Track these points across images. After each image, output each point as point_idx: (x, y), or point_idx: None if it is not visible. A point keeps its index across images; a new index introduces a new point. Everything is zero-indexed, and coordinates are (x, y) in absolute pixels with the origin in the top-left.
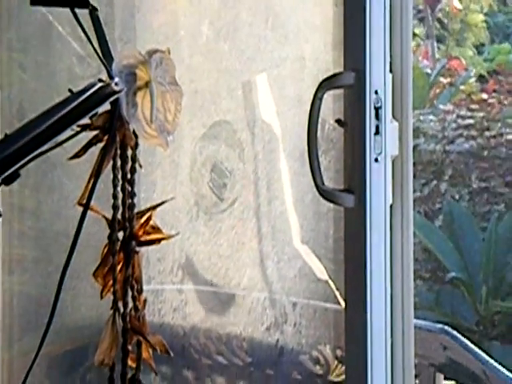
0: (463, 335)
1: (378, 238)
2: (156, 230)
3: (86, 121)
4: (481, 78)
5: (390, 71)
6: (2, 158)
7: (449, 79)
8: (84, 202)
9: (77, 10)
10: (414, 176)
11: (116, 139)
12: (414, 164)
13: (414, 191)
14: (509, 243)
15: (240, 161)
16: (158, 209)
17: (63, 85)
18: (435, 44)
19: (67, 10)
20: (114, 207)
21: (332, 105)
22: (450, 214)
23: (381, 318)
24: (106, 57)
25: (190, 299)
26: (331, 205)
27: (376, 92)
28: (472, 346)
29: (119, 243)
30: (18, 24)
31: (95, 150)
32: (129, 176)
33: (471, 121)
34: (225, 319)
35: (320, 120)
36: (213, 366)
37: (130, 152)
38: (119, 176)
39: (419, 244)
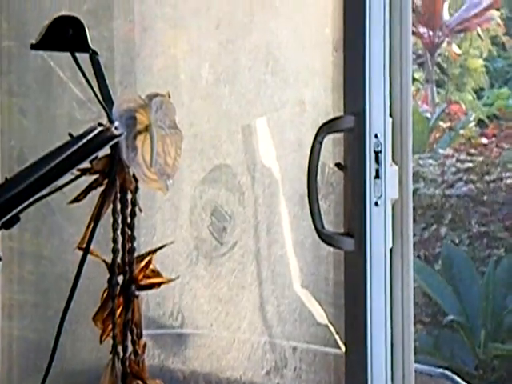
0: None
1: (378, 281)
2: (156, 273)
3: (86, 165)
4: (480, 123)
5: (390, 115)
6: (2, 202)
7: (448, 123)
8: (84, 245)
9: (77, 55)
10: (414, 220)
11: (116, 183)
12: (414, 208)
13: (414, 235)
14: (507, 287)
15: (240, 205)
16: (158, 253)
17: (63, 129)
18: (435, 88)
19: (67, 55)
20: (114, 251)
21: (332, 148)
22: (449, 258)
23: (381, 362)
24: (107, 101)
25: (189, 343)
26: (331, 248)
27: (376, 136)
28: None
29: (119, 287)
30: (18, 68)
31: (95, 193)
32: (129, 220)
33: (471, 165)
34: (225, 363)
35: (320, 164)
36: None
37: (129, 196)
38: (119, 220)
39: (418, 288)
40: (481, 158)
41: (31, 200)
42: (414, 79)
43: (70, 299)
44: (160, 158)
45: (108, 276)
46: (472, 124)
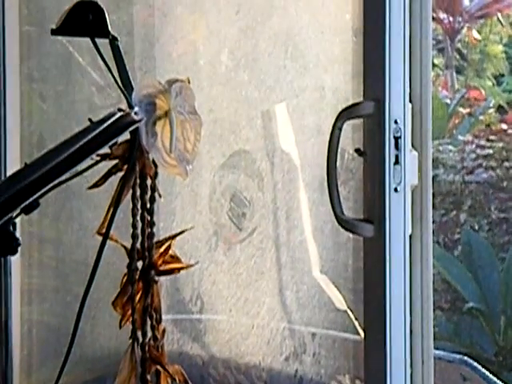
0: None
1: (398, 267)
2: (175, 259)
3: (105, 150)
4: (500, 109)
5: (410, 101)
6: (22, 188)
7: (468, 110)
8: (103, 231)
9: (97, 40)
10: (433, 206)
11: (135, 168)
12: (433, 194)
13: (433, 221)
14: None
15: (259, 190)
16: (178, 238)
17: (83, 114)
18: (454, 74)
19: (87, 40)
20: (134, 236)
21: (351, 134)
22: (469, 244)
23: (400, 348)
24: (126, 86)
25: (208, 329)
26: (350, 235)
27: (396, 121)
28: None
29: (138, 272)
30: (38, 54)
31: (115, 179)
32: (148, 205)
33: (490, 151)
34: (244, 349)
35: (339, 150)
36: None
37: (149, 181)
38: (138, 205)
39: (438, 274)
40: (500, 144)
41: (51, 185)
42: (433, 65)
43: (89, 284)
44: (179, 144)
45: (127, 261)
46: (491, 110)
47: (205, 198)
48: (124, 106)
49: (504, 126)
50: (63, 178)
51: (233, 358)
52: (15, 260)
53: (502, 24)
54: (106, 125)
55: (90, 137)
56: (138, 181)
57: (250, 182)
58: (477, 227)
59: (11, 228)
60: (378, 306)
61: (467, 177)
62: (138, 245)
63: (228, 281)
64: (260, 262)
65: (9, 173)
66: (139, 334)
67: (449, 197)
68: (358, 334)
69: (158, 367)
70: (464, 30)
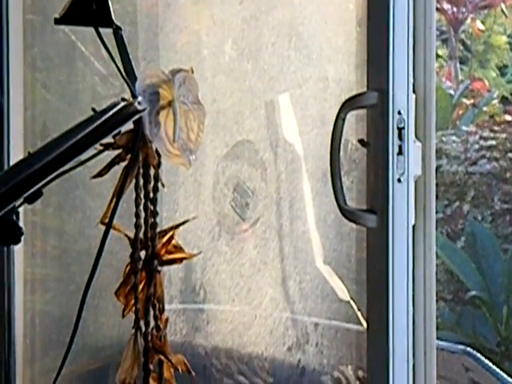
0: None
1: (401, 258)
2: (178, 249)
3: (108, 140)
4: (504, 100)
5: (413, 92)
6: (25, 177)
7: (472, 100)
8: (106, 220)
9: (100, 30)
10: (437, 197)
11: (139, 158)
12: (437, 185)
13: (437, 212)
14: None
15: (262, 180)
16: (181, 228)
17: (86, 104)
18: (458, 65)
19: (90, 30)
20: (137, 226)
21: (355, 125)
22: (472, 234)
23: (403, 339)
24: (130, 76)
25: (211, 319)
26: (354, 225)
27: (399, 112)
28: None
29: (141, 262)
30: (41, 43)
31: (118, 168)
32: (151, 195)
33: (494, 142)
34: (246, 339)
35: (343, 140)
36: None
37: (152, 171)
38: (142, 195)
39: (441, 265)
40: (504, 135)
41: (54, 175)
42: (437, 56)
43: (92, 274)
44: (183, 134)
45: (130, 251)
46: (495, 101)
47: (208, 188)
48: (127, 95)
49: (508, 117)
50: (66, 167)
51: (235, 348)
52: (18, 249)
53: (505, 15)
54: (109, 114)
55: (93, 126)
56: (141, 170)
57: (254, 172)
58: (480, 218)
59: (14, 217)
60: (381, 296)
61: (470, 168)
62: (141, 234)
63: (231, 271)
64: (263, 252)
65: (12, 162)
66: (142, 323)
67: (452, 187)
68: (361, 324)
69: (161, 357)
70: (468, 21)
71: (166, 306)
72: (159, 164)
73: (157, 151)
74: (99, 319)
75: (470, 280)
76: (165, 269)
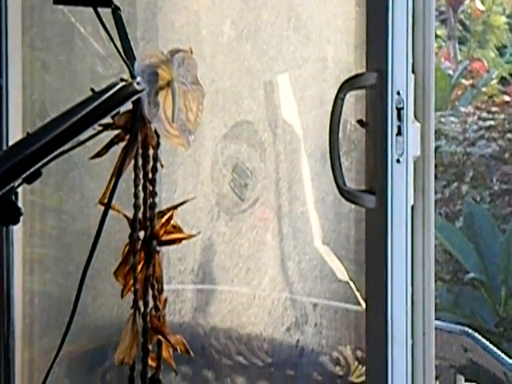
0: (483, 336)
1: (399, 238)
2: (177, 229)
3: (107, 120)
4: (503, 80)
5: (413, 72)
6: (24, 157)
7: (470, 81)
8: (105, 201)
9: (99, 10)
10: (435, 177)
11: (138, 138)
12: (435, 166)
13: (435, 193)
14: None
15: (261, 161)
16: (179, 208)
17: (85, 84)
18: (457, 46)
19: (89, 10)
20: (136, 206)
21: (354, 105)
22: (471, 215)
23: (401, 319)
24: (129, 56)
25: (210, 299)
26: (352, 206)
27: (398, 93)
28: (492, 347)
29: (140, 243)
30: (40, 23)
31: (117, 149)
32: (150, 175)
33: (492, 122)
34: (245, 319)
35: (342, 121)
36: (233, 366)
37: (151, 151)
38: (141, 175)
39: (440, 245)
40: (502, 116)
41: (53, 155)
42: (436, 36)
43: (91, 254)
44: (182, 114)
45: (129, 231)
46: (494, 81)
47: (207, 169)
48: (126, 75)
49: (507, 98)
50: (65, 147)
51: (234, 329)
52: (17, 229)
53: None
54: (108, 95)
55: (92, 106)
56: (140, 151)
57: (253, 152)
58: (478, 199)
59: (13, 197)
60: (380, 276)
61: (469, 148)
62: (140, 215)
63: (230, 251)
64: (262, 232)
65: (11, 142)
66: (141, 303)
67: (451, 168)
68: (360, 304)
69: (160, 337)
70: (467, 1)
71: (165, 287)
72: (158, 144)
73: (156, 131)
74: (98, 299)
75: (468, 261)
76: (164, 249)
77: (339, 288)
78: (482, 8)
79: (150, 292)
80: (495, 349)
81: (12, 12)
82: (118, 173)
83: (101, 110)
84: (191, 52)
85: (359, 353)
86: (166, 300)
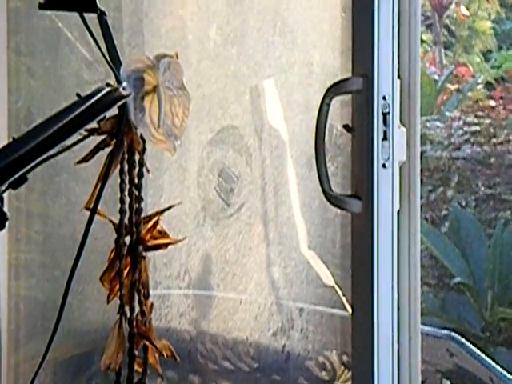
0: (469, 341)
1: (385, 243)
2: (163, 234)
3: (93, 125)
4: (488, 85)
5: (398, 77)
6: (10, 162)
7: (456, 86)
8: (91, 206)
9: (85, 15)
10: (421, 182)
11: (123, 144)
12: (421, 171)
13: (421, 197)
14: None
15: (247, 166)
16: (165, 213)
17: (71, 89)
18: (443, 50)
19: (75, 15)
20: (121, 212)
21: (340, 110)
22: (457, 220)
23: (387, 324)
24: (114, 61)
25: (196, 304)
26: (338, 210)
27: (384, 98)
28: (479, 352)
29: (126, 248)
30: (26, 28)
31: (103, 154)
32: (136, 181)
33: (478, 127)
34: (231, 324)
35: (328, 125)
36: (219, 371)
37: (137, 157)
38: (126, 180)
39: (425, 250)
40: (488, 121)
41: (39, 160)
42: (421, 41)
43: (77, 259)
44: (168, 119)
45: (115, 236)
46: (480, 86)
47: (193, 174)
48: (112, 81)
49: (492, 103)
50: (51, 152)
51: (220, 334)
52: (3, 235)
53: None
54: (94, 100)
55: (77, 112)
56: (126, 156)
57: (239, 157)
58: (464, 203)
59: None
60: (366, 281)
61: (454, 153)
62: (126, 220)
63: (216, 256)
64: (248, 237)
65: None
66: (127, 309)
67: (436, 173)
68: (346, 309)
69: (146, 342)
70: (452, 6)
71: (151, 292)
72: (144, 149)
73: (141, 137)
74: (84, 305)
75: (454, 266)
76: (150, 254)
77: (325, 293)
78: (468, 13)
79: (136, 297)
80: (481, 354)
81: None
82: (103, 178)
83: (87, 116)
84: (177, 57)
85: (345, 358)
86: (152, 305)
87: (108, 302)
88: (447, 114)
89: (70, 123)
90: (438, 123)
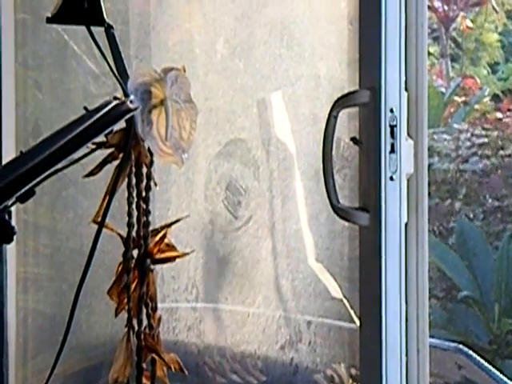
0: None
1: (393, 256)
2: (171, 247)
3: (101, 139)
4: (495, 97)
5: (406, 90)
6: (18, 176)
7: (463, 98)
8: (99, 219)
9: (92, 28)
10: (428, 195)
11: (131, 157)
12: (428, 183)
13: (428, 210)
14: None
15: (255, 179)
16: (173, 227)
17: (78, 103)
18: (449, 63)
19: (82, 29)
20: (129, 225)
21: (347, 123)
22: (463, 232)
23: (395, 337)
24: (122, 75)
25: (204, 317)
26: (346, 223)
27: (391, 110)
28: (487, 364)
29: (134, 261)
30: (33, 42)
31: (110, 167)
32: (144, 194)
33: (485, 140)
34: (239, 337)
35: (335, 138)
36: None
37: (144, 170)
38: (134, 194)
39: (432, 263)
40: (495, 133)
41: (46, 174)
42: (428, 53)
43: (85, 273)
44: (175, 132)
45: (123, 250)
46: (487, 99)
47: (200, 187)
48: (119, 94)
49: (499, 115)
50: (59, 166)
51: (228, 347)
52: (11, 248)
53: (496, 12)
54: (101, 113)
55: (85, 125)
56: (133, 169)
57: (246, 170)
58: (471, 216)
59: (6, 216)
60: (374, 294)
61: (462, 165)
62: (134, 233)
63: (223, 269)
64: (255, 250)
65: (4, 161)
66: (135, 322)
67: (443, 185)
68: (354, 322)
69: (154, 355)
70: (459, 19)
71: (159, 305)
72: (151, 163)
73: (149, 150)
74: (92, 318)
75: (460, 278)
76: (157, 267)
77: (333, 306)
78: (474, 25)
79: (144, 310)
80: (489, 366)
81: (5, 30)
82: (111, 191)
83: (94, 129)
84: (184, 70)
85: (353, 370)
86: (159, 318)
87: (116, 315)
88: (454, 126)
89: (78, 137)
90: (445, 135)
